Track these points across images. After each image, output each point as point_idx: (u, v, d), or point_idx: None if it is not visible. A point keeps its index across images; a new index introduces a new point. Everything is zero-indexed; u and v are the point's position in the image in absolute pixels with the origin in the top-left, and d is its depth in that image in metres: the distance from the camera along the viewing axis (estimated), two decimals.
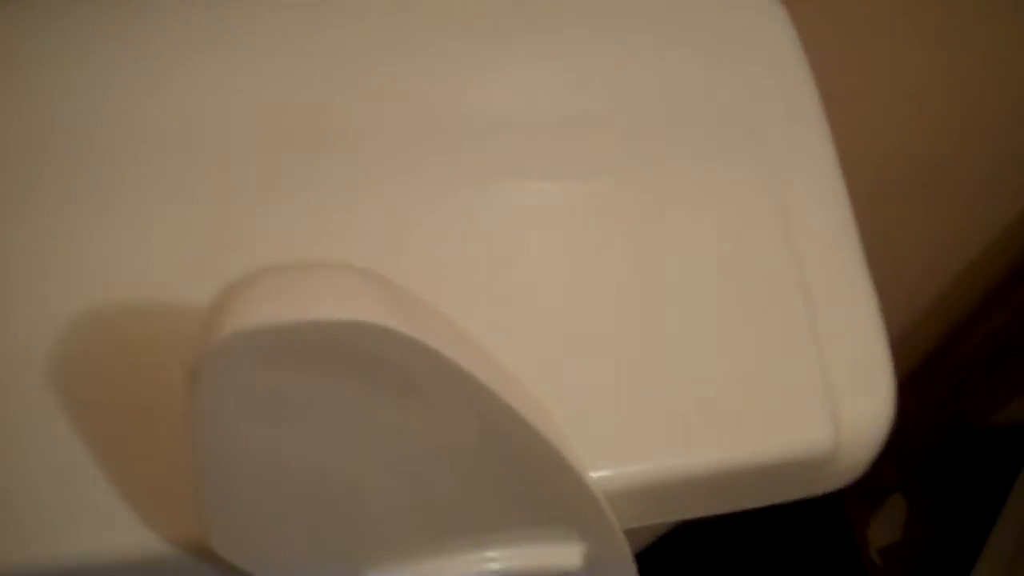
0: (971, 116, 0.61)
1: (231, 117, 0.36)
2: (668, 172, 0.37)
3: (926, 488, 1.11)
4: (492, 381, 0.26)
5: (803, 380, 0.34)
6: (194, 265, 0.33)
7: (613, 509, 0.31)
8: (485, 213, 0.35)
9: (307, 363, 0.24)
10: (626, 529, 0.32)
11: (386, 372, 0.25)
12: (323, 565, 0.31)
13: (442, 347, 0.24)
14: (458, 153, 0.36)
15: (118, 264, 0.34)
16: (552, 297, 0.34)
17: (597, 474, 0.32)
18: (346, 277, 0.24)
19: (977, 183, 0.68)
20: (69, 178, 0.35)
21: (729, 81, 0.39)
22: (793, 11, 0.41)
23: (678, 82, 0.38)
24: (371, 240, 0.35)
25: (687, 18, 0.40)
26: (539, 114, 0.37)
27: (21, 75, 0.36)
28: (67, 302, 0.33)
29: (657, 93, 0.38)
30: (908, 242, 0.74)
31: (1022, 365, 0.81)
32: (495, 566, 0.33)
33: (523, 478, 0.30)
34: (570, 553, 0.33)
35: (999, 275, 0.78)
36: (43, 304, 0.33)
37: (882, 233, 0.71)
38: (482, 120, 0.37)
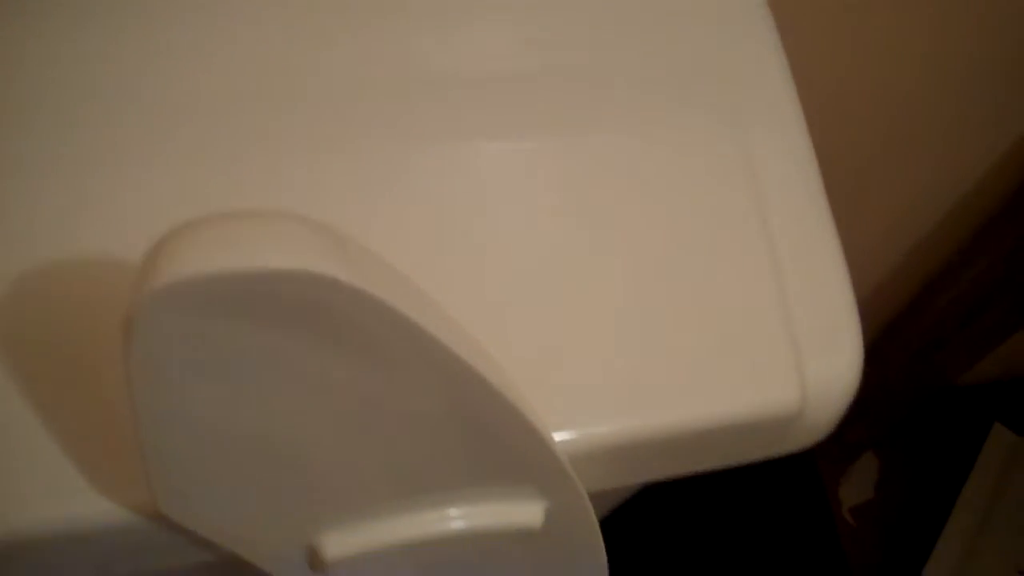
0: (933, 77, 0.61)
1: (198, 77, 0.35)
2: (632, 127, 0.36)
3: (898, 446, 1.12)
4: (446, 337, 0.25)
5: (769, 339, 0.33)
6: (142, 223, 0.32)
7: (577, 471, 0.30)
8: (446, 169, 0.34)
9: (248, 317, 0.23)
10: (592, 492, 0.32)
11: (335, 328, 0.24)
12: (275, 525, 0.30)
13: (392, 300, 0.23)
14: (418, 110, 0.35)
15: (62, 225, 0.32)
16: (515, 257, 0.33)
17: (560, 436, 0.31)
18: (287, 225, 0.23)
19: (944, 141, 0.67)
20: (38, 137, 0.33)
21: (693, 36, 0.38)
22: None
23: (641, 37, 0.38)
24: (329, 195, 0.34)
25: None
26: (501, 71, 0.36)
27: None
28: (11, 263, 0.32)
29: (620, 47, 0.37)
30: (876, 202, 0.74)
31: (991, 322, 0.81)
32: (457, 524, 0.32)
33: (482, 436, 0.30)
34: (532, 511, 0.32)
35: (968, 234, 0.78)
36: None
37: (850, 193, 0.71)
38: (442, 76, 0.36)
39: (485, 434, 0.29)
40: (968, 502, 1.04)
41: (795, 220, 0.35)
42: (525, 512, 0.32)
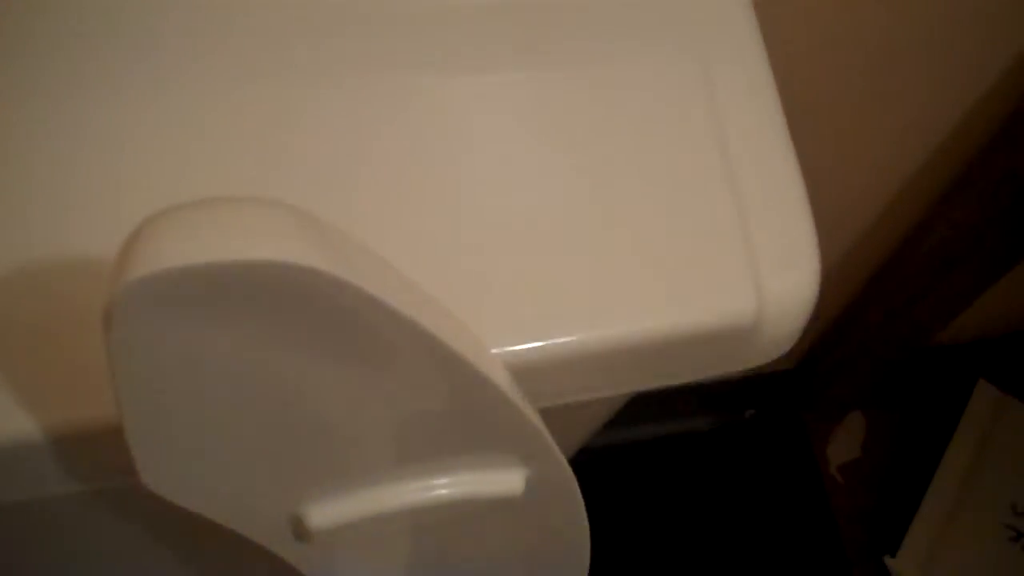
0: (906, 22, 0.61)
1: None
2: (590, 50, 0.37)
3: (884, 405, 1.13)
4: (428, 321, 0.26)
5: (726, 253, 0.34)
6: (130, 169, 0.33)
7: (537, 383, 0.31)
8: (407, 100, 0.35)
9: (228, 306, 0.23)
10: (557, 410, 0.33)
11: (317, 315, 0.24)
12: (260, 497, 0.31)
13: (374, 288, 0.24)
14: (372, 43, 0.35)
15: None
16: (473, 178, 0.34)
17: (519, 347, 0.32)
18: (265, 212, 0.23)
19: (916, 93, 0.67)
20: None
21: None
22: None
23: None
24: (291, 126, 0.34)
25: None
26: (458, 3, 0.37)
27: None
28: None
29: None
30: (848, 158, 0.74)
31: (967, 275, 0.82)
32: (440, 493, 0.33)
33: (466, 411, 0.30)
34: (513, 479, 0.33)
35: (941, 190, 0.78)
36: None
37: (823, 156, 0.71)
38: (400, 9, 0.36)
39: (468, 409, 0.30)
40: (954, 458, 1.05)
41: (753, 140, 0.36)
42: (506, 480, 0.33)
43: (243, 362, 0.25)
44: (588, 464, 1.00)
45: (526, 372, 0.32)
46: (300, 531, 0.31)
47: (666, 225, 0.34)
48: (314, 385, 0.27)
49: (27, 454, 0.30)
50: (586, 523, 0.38)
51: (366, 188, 0.33)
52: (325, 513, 0.31)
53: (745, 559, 1.06)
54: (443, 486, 0.32)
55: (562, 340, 0.32)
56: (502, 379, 0.29)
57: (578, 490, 0.36)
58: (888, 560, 1.01)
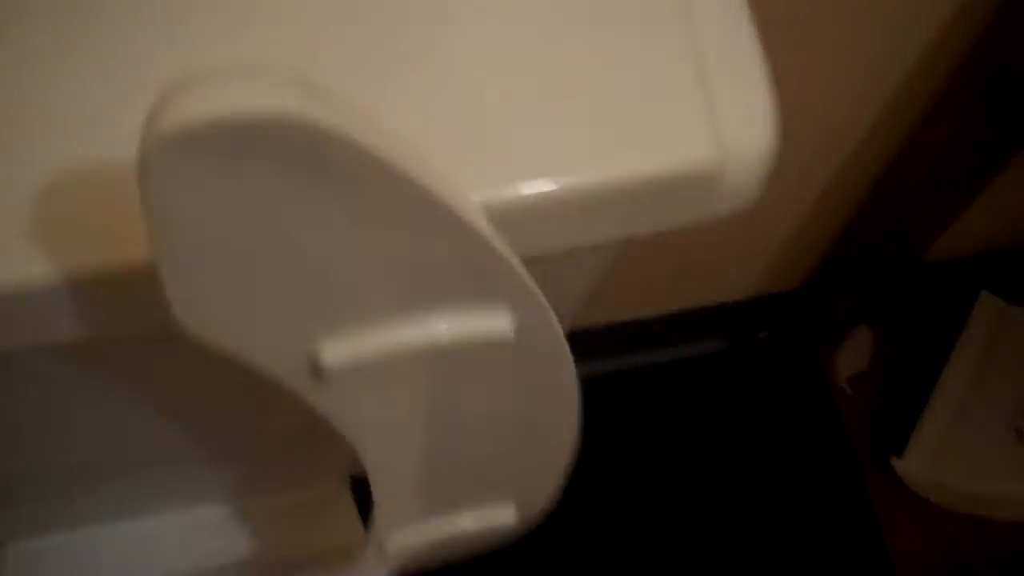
0: None
1: None
2: None
3: (891, 320, 1.16)
4: (423, 176, 0.30)
5: (686, 104, 0.38)
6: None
7: (508, 232, 0.35)
8: None
9: (247, 159, 0.27)
10: (530, 259, 0.36)
11: (323, 167, 0.28)
12: (281, 334, 0.35)
13: (370, 141, 0.28)
14: None
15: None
16: (442, 43, 0.38)
17: (496, 194, 0.36)
18: (271, 76, 0.26)
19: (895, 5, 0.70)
20: None
21: None
22: None
23: None
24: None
25: None
26: None
27: None
28: None
29: None
30: (838, 74, 0.77)
31: (958, 185, 0.85)
32: (438, 330, 0.37)
33: (455, 257, 0.34)
34: (503, 322, 0.37)
35: (931, 98, 0.81)
36: None
37: (813, 67, 0.74)
38: None
39: (459, 256, 0.34)
40: (959, 363, 1.08)
41: (714, 7, 0.40)
42: (497, 323, 0.37)
43: (264, 207, 0.30)
44: (605, 387, 1.04)
45: (499, 221, 0.35)
46: (316, 368, 0.36)
47: (629, 80, 0.38)
48: (324, 233, 0.32)
49: (54, 297, 0.34)
50: (574, 373, 0.42)
51: (358, 44, 0.37)
52: (338, 350, 0.36)
53: (760, 473, 1.10)
54: (441, 326, 0.37)
55: (534, 187, 0.36)
56: (485, 225, 0.34)
57: (564, 340, 0.40)
58: (895, 462, 1.05)
